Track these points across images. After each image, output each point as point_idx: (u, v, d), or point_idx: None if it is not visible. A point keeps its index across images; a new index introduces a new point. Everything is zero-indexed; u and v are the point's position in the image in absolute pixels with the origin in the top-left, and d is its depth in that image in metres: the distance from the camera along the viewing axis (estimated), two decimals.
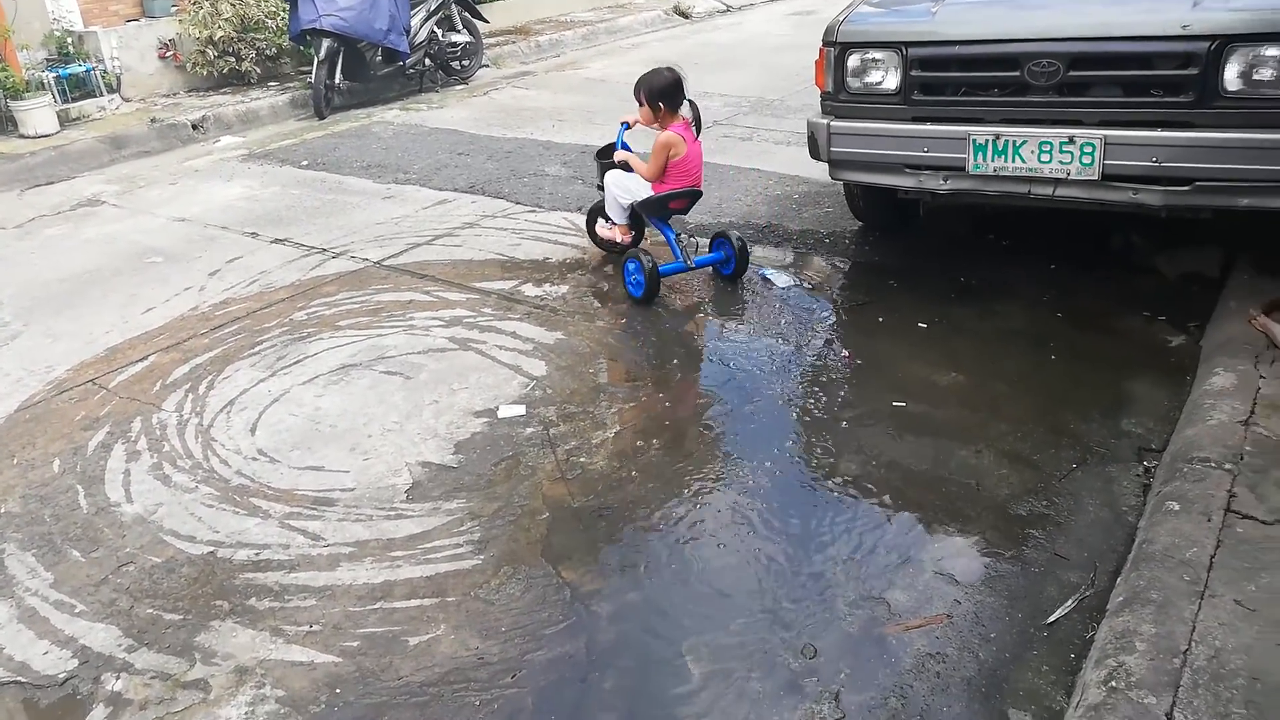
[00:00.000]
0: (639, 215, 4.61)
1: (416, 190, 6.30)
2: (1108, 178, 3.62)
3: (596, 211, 4.90)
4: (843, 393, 3.58)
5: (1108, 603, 2.39)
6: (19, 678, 2.39)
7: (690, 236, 4.66)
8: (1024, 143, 3.71)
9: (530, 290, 4.59)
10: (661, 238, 4.61)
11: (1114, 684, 2.04)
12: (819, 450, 3.24)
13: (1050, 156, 3.68)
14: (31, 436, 3.50)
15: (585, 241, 5.23)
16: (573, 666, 2.36)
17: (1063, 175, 3.68)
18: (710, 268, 4.63)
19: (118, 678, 2.37)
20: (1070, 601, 2.48)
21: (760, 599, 2.56)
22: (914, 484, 3.01)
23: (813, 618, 2.47)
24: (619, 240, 4.71)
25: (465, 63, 9.84)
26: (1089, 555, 2.65)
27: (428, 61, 9.39)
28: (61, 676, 2.39)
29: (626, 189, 4.52)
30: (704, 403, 3.56)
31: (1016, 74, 3.74)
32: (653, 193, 4.43)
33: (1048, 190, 3.78)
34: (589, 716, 2.21)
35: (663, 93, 4.32)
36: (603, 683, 2.31)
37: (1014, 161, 3.75)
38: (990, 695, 2.21)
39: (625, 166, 4.57)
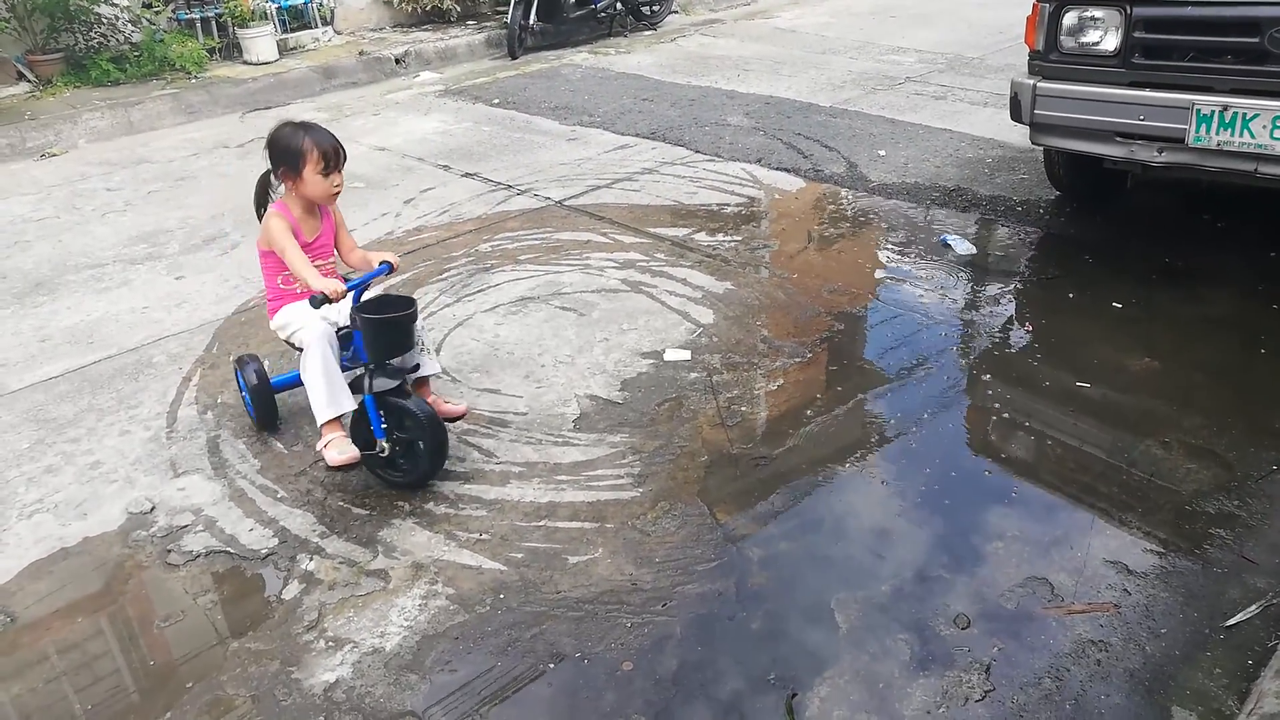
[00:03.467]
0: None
1: (600, 133, 6.42)
2: None
3: (370, 452, 2.84)
4: (1021, 368, 3.45)
5: None
6: (228, 548, 2.68)
7: None
8: (1256, 116, 3.40)
9: (703, 238, 4.62)
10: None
11: None
12: (990, 423, 3.14)
13: None
14: (245, 338, 3.85)
15: (761, 193, 5.20)
16: (722, 603, 2.42)
17: None
18: None
19: (311, 559, 2.62)
20: (1254, 607, 2.33)
21: (915, 563, 2.53)
22: (1090, 469, 2.88)
23: (969, 589, 2.43)
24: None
25: (655, 8, 9.87)
26: None
27: (619, 6, 9.47)
28: (264, 552, 2.66)
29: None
30: (870, 366, 3.51)
31: (1256, 40, 3.42)
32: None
33: (1278, 170, 3.46)
34: (734, 653, 2.28)
35: None
36: (750, 622, 2.36)
37: (1242, 135, 3.44)
38: (1154, 690, 2.12)
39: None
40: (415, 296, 3.29)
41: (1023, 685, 2.15)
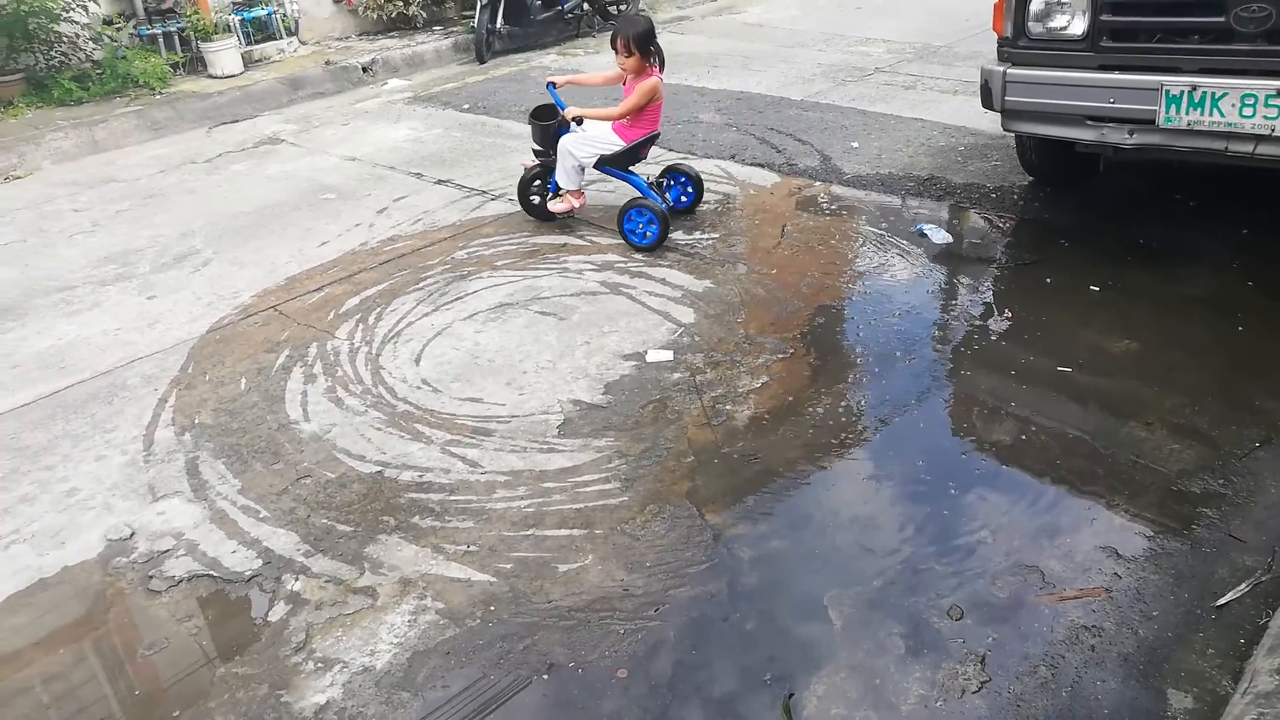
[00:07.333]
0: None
1: None
2: None
3: (531, 181, 4.81)
4: (1003, 355, 3.45)
5: None
6: (211, 571, 2.64)
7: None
8: (1224, 95, 3.42)
9: (680, 237, 4.60)
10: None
11: None
12: (975, 413, 3.14)
13: (1254, 111, 3.38)
14: (221, 356, 3.80)
15: (736, 189, 5.19)
16: (714, 605, 2.41)
17: (1266, 132, 3.38)
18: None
19: (297, 579, 2.59)
20: (1244, 585, 2.34)
21: (907, 557, 2.53)
22: (1076, 453, 2.89)
23: (961, 580, 2.43)
24: (576, 207, 4.67)
25: (622, 7, 9.83)
26: (1267, 539, 2.49)
27: (585, 6, 9.43)
28: (248, 574, 2.62)
29: (591, 146, 4.49)
30: (852, 358, 3.50)
31: (1221, 19, 3.44)
32: (623, 143, 4.47)
33: (1247, 148, 3.49)
34: (729, 654, 2.26)
35: (649, 38, 4.39)
36: (743, 623, 2.35)
37: (1211, 115, 3.46)
38: (1149, 674, 2.13)
39: (562, 130, 4.53)
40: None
41: (1018, 674, 2.15)
